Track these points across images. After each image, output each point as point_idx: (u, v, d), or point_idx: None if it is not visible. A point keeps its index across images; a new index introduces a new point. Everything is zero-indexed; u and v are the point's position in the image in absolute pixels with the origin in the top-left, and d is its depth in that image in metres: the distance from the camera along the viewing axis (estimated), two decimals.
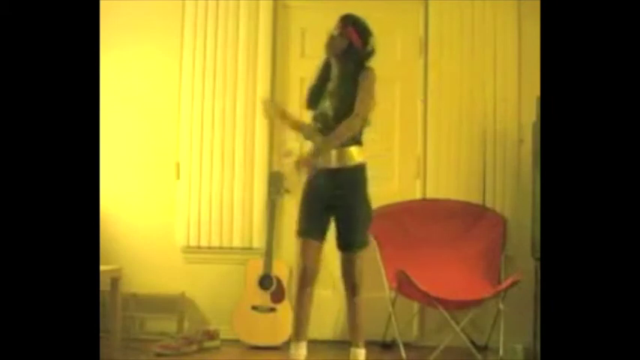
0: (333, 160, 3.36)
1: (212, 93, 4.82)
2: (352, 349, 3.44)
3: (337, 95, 3.38)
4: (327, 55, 3.47)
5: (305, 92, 3.59)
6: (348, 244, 3.38)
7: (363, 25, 3.47)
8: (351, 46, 3.41)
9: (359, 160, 3.40)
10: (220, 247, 4.81)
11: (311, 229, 3.39)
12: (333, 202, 3.37)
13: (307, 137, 3.52)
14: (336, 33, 3.43)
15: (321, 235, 3.40)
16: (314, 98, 3.49)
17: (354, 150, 3.38)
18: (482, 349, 4.37)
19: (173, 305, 4.74)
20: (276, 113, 3.79)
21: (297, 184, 3.58)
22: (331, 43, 3.43)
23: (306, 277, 3.38)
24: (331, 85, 3.43)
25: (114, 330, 4.37)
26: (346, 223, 3.37)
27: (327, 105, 3.39)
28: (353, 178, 3.39)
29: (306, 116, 3.59)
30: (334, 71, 3.44)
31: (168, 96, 4.89)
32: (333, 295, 4.55)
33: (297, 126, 3.67)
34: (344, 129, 3.30)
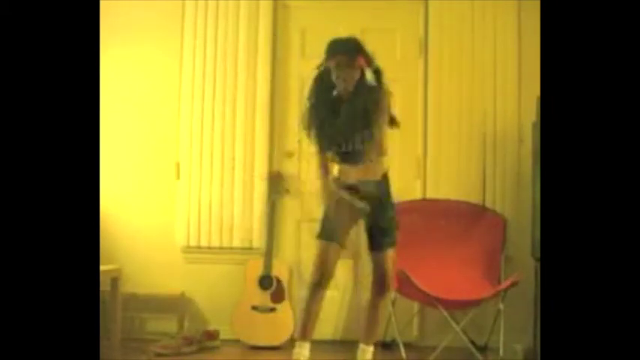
0: (362, 174, 3.35)
1: (212, 93, 4.82)
2: (361, 346, 3.46)
3: (362, 130, 3.26)
4: (343, 92, 3.26)
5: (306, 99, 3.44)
6: (380, 245, 3.41)
7: (361, 45, 3.29)
8: (361, 73, 3.24)
9: (384, 169, 3.44)
10: (220, 247, 4.80)
11: (334, 232, 3.36)
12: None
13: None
14: (345, 65, 3.21)
15: (344, 237, 3.40)
16: (333, 144, 3.33)
17: (380, 161, 3.41)
18: (482, 349, 4.36)
19: (173, 305, 4.74)
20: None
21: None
22: (346, 77, 3.22)
23: (323, 280, 3.35)
24: (350, 123, 3.25)
25: (114, 330, 4.38)
26: (377, 224, 3.38)
27: (353, 142, 3.27)
28: (385, 186, 3.43)
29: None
30: (346, 102, 3.26)
31: (168, 96, 4.89)
32: (334, 295, 4.55)
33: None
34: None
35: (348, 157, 3.34)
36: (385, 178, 3.46)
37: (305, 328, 3.38)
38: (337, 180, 3.37)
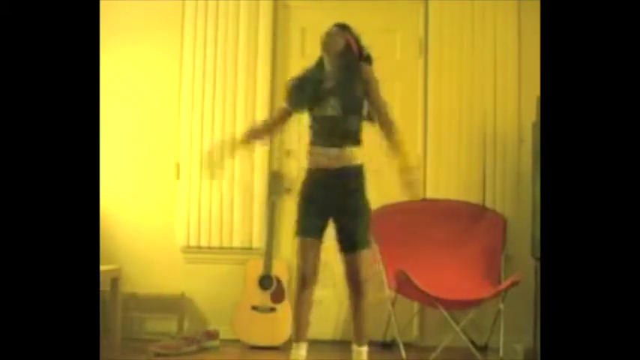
0: (334, 160, 3.33)
1: (212, 93, 4.83)
2: (354, 347, 3.43)
3: (342, 94, 3.34)
4: (327, 53, 3.40)
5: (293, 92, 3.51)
6: (352, 246, 3.33)
7: (356, 33, 3.49)
8: (349, 47, 3.41)
9: (359, 161, 3.37)
10: (220, 247, 4.81)
11: (309, 228, 3.34)
12: (334, 202, 3.33)
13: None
14: (333, 32, 3.42)
15: (319, 233, 3.36)
16: (307, 99, 3.42)
17: (355, 150, 3.36)
18: (482, 349, 4.36)
19: (173, 305, 4.74)
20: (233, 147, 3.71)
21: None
22: (331, 41, 3.39)
23: (306, 278, 3.33)
24: (330, 85, 3.37)
25: (114, 330, 4.38)
26: (348, 224, 3.32)
27: (330, 105, 3.34)
28: (354, 179, 3.36)
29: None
30: (331, 71, 3.39)
31: (168, 96, 4.89)
32: (333, 295, 4.55)
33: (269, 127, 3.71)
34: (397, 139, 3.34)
35: (320, 133, 3.35)
36: (359, 170, 3.38)
37: (297, 332, 3.38)
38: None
